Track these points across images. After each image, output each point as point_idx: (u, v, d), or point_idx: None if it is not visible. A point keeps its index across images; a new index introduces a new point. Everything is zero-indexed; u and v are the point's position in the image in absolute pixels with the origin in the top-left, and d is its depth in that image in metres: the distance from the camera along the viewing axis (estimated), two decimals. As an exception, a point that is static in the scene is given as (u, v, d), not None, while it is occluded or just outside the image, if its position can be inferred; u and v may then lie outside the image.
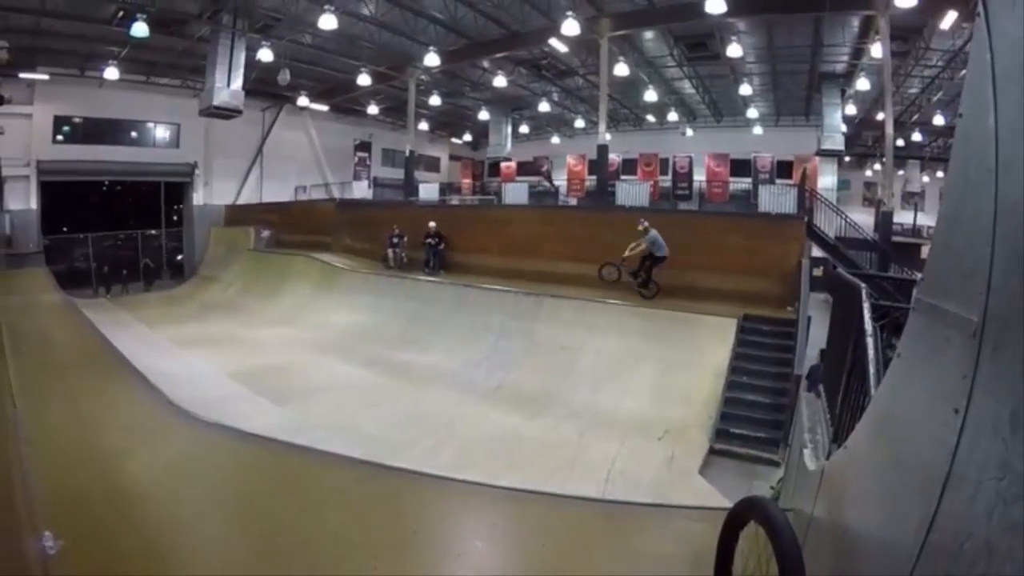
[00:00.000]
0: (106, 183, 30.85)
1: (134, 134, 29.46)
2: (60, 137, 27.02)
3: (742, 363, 12.14)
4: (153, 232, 31.44)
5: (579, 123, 35.54)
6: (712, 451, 10.61)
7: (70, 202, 28.51)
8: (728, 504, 4.20)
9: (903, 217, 33.10)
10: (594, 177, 26.85)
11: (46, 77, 25.54)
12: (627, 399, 12.02)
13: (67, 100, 26.61)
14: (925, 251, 26.00)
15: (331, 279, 20.73)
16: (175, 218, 32.07)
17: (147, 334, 18.92)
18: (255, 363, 15.43)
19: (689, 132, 34.16)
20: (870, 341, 3.99)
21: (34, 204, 26.31)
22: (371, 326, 17.40)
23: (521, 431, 11.27)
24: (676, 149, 33.75)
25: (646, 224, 14.46)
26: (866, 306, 4.37)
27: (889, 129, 19.92)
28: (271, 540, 4.98)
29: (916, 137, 32.49)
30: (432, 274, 18.83)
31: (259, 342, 17.72)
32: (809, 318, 12.55)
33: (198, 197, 31.07)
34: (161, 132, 30.12)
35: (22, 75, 24.87)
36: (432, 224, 19.36)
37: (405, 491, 5.91)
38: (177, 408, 8.46)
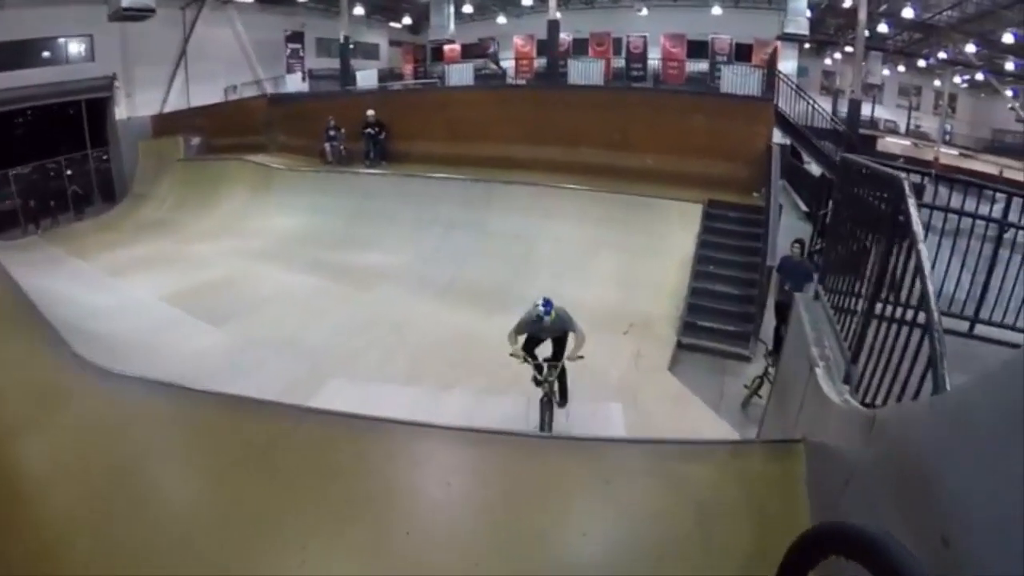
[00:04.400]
0: (21, 112, 27.96)
1: (45, 54, 26.83)
2: None
3: (708, 252, 11.52)
4: (77, 156, 29.39)
5: (527, 1, 33.36)
6: (680, 345, 10.12)
7: None
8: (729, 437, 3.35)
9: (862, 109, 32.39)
10: (543, 59, 25.66)
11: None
12: (589, 290, 11.25)
13: None
14: (883, 143, 25.19)
15: (267, 181, 19.36)
16: (101, 138, 29.74)
17: (79, 267, 17.82)
18: (192, 282, 14.56)
19: (644, 11, 32.45)
20: (923, 250, 3.05)
21: None
22: (312, 227, 16.35)
23: (477, 331, 10.50)
24: (630, 29, 32.22)
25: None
26: (912, 204, 3.26)
27: (862, 15, 19.78)
28: (204, 511, 4.20)
29: (882, 28, 31.23)
30: (373, 166, 17.54)
31: (196, 258, 16.68)
32: (780, 206, 12.07)
33: (121, 111, 28.83)
34: (73, 47, 27.46)
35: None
36: (370, 112, 17.80)
37: (342, 439, 4.94)
38: (86, 363, 7.23)
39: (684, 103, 15.66)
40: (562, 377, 8.01)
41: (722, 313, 10.57)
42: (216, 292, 13.57)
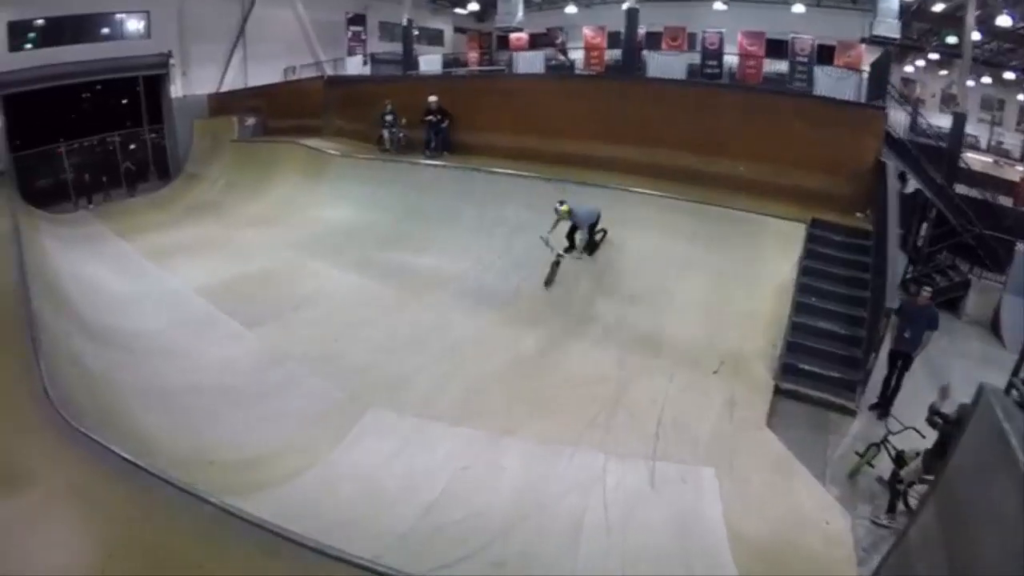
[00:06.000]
0: (78, 86, 27.61)
1: (104, 30, 26.63)
2: (27, 45, 24.41)
3: (810, 280, 9.93)
4: (133, 133, 29.21)
5: (598, -9, 31.98)
6: (777, 390, 8.52)
7: (40, 113, 25.91)
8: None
9: (942, 121, 30.23)
10: (615, 51, 24.34)
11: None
12: (673, 317, 9.96)
13: (20, 3, 23.83)
14: (963, 159, 22.96)
15: (320, 167, 18.33)
16: (157, 115, 29.44)
17: (121, 248, 17.23)
18: (231, 273, 13.77)
19: (721, 5, 31.08)
20: None
21: None
22: (363, 221, 15.18)
23: (546, 355, 9.30)
24: (706, 24, 30.18)
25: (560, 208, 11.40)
26: None
27: (970, 19, 18.24)
28: None
29: (974, 36, 29.16)
30: (434, 157, 16.21)
31: (239, 246, 15.88)
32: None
33: (176, 89, 28.53)
34: (131, 24, 27.20)
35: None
36: (433, 98, 16.52)
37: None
38: (58, 418, 5.92)
39: (783, 106, 13.86)
40: (591, 241, 11.46)
41: (826, 355, 9.00)
42: (255, 287, 12.72)
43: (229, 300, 12.01)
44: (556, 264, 11.21)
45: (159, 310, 11.88)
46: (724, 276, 10.39)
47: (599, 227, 11.52)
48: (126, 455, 5.18)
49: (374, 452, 7.27)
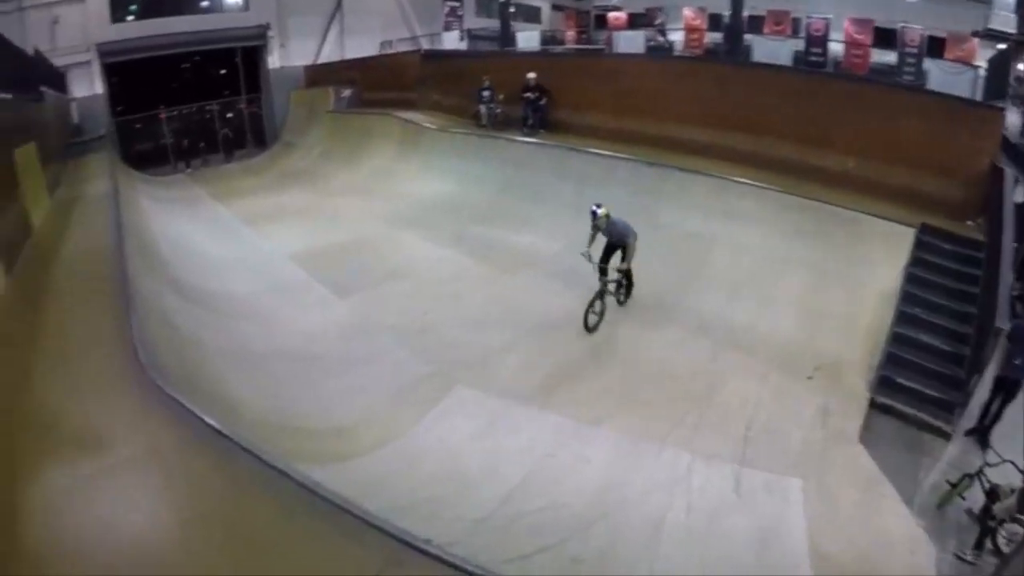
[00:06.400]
0: (179, 56, 29.13)
1: (204, 2, 28.01)
2: (129, 17, 25.88)
3: (916, 289, 9.23)
4: (230, 102, 30.51)
5: (701, -29, 31.13)
6: (872, 404, 8.01)
7: (142, 81, 27.43)
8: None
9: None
10: (715, 34, 23.77)
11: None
12: (768, 315, 9.52)
13: None
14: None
15: (415, 140, 18.51)
16: (255, 85, 30.70)
17: (214, 211, 17.94)
18: (324, 241, 14.02)
19: None
20: None
21: (99, 88, 25.21)
22: (458, 195, 15.26)
23: (638, 344, 9.04)
24: (811, 9, 28.79)
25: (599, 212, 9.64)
26: None
27: None
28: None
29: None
30: (531, 134, 16.01)
31: (333, 215, 16.22)
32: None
33: (273, 60, 29.54)
34: None
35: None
36: (531, 75, 16.36)
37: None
38: (145, 379, 5.82)
39: (893, 99, 12.98)
40: (628, 279, 10.00)
41: (926, 371, 8.35)
42: (347, 256, 12.88)
43: (321, 267, 12.19)
44: (600, 297, 9.48)
45: (252, 274, 12.16)
46: (825, 276, 9.93)
47: (624, 266, 9.67)
48: (211, 421, 5.13)
49: (458, 431, 7.20)
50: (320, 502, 4.19)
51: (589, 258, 9.46)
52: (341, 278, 11.61)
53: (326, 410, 7.54)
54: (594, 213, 9.49)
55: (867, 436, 7.48)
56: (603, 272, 9.59)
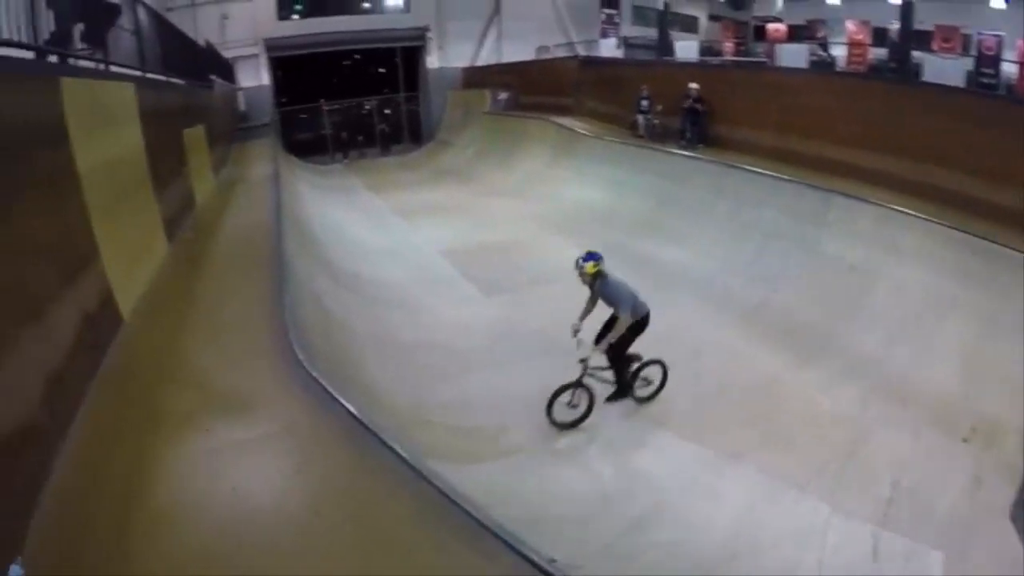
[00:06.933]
0: (342, 53, 31.47)
1: (365, 4, 30.13)
2: (294, 15, 28.77)
3: None
4: (388, 98, 32.33)
5: (866, -19, 29.81)
6: None
7: (305, 75, 29.93)
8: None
9: None
10: (880, 50, 21.94)
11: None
12: (928, 364, 8.58)
13: None
14: None
15: (570, 146, 18.74)
16: (413, 84, 32.28)
17: (370, 201, 19.08)
18: (475, 239, 14.58)
19: (1001, 4, 27.34)
20: None
21: (266, 80, 27.99)
22: (610, 204, 15.28)
23: (783, 381, 8.52)
24: (983, 25, 26.80)
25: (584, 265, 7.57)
26: None
27: None
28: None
29: None
30: (689, 148, 15.64)
31: (485, 214, 16.83)
32: None
33: (432, 61, 31.03)
34: None
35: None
36: (693, 85, 15.98)
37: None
38: (292, 356, 5.90)
39: None
40: (618, 367, 7.67)
41: None
42: (496, 255, 13.23)
43: (470, 265, 12.58)
44: (579, 384, 7.41)
45: (402, 265, 12.71)
46: (994, 326, 8.71)
47: (608, 341, 7.44)
48: (352, 408, 5.06)
49: (595, 446, 7.11)
50: (450, 505, 4.09)
51: (576, 332, 7.38)
52: (489, 277, 11.93)
53: (463, 407, 7.64)
54: (578, 264, 7.47)
55: (1018, 514, 6.67)
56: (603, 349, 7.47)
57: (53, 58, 6.27)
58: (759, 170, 12.90)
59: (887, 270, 10.16)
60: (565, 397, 7.37)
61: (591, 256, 7.50)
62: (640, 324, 7.56)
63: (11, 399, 3.80)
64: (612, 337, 7.33)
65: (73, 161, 5.62)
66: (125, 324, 6.25)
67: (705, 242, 12.36)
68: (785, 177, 12.40)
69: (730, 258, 11.64)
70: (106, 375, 5.27)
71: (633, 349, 7.72)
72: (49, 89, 5.44)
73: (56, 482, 3.87)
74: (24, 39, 5.40)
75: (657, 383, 7.97)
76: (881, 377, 8.50)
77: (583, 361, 7.30)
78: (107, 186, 6.45)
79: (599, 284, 7.45)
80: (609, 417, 7.61)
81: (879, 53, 26.52)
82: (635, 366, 7.83)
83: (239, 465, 4.52)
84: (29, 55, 5.66)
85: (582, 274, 7.43)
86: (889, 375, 8.54)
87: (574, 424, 7.43)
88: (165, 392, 5.34)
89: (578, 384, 7.37)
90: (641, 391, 7.92)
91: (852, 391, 8.31)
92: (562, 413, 7.38)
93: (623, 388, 7.77)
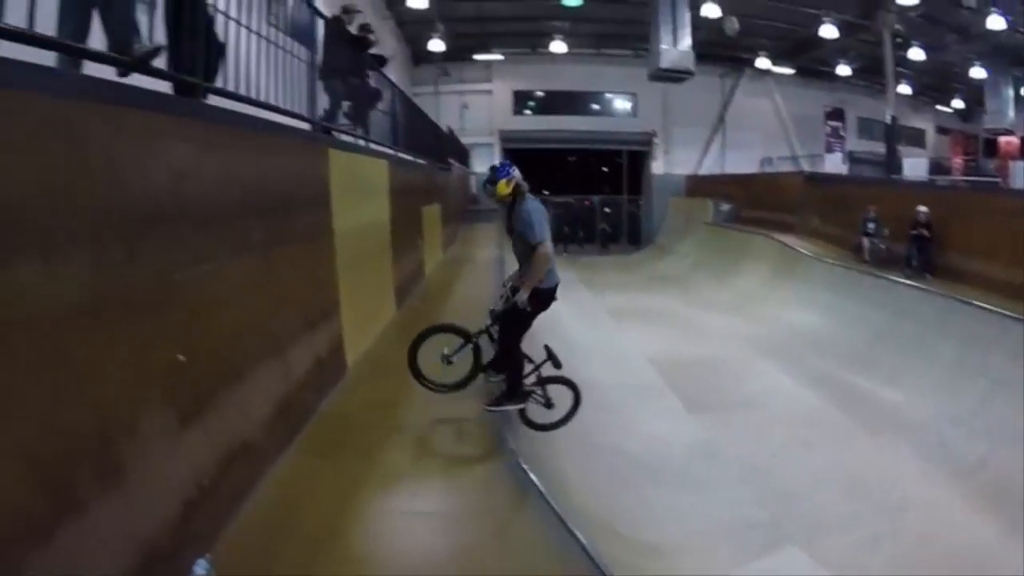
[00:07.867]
0: (570, 151, 33.83)
1: (595, 106, 32.13)
2: (527, 112, 31.68)
3: None
4: (610, 199, 33.65)
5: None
6: None
7: (533, 167, 32.08)
8: None
9: None
10: None
11: (500, 57, 30.42)
12: None
13: (522, 76, 31.06)
14: None
15: (791, 266, 18.40)
16: (636, 187, 33.45)
17: (584, 297, 19.37)
18: (684, 351, 14.54)
19: None
20: None
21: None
22: (827, 332, 14.68)
23: (991, 553, 7.45)
24: None
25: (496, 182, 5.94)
26: None
27: None
28: None
29: None
30: (915, 277, 14.60)
31: (697, 327, 16.84)
32: None
33: (657, 166, 32.07)
34: (619, 103, 32.30)
35: (477, 57, 30.23)
36: (923, 209, 15.03)
37: None
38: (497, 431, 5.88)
39: None
40: (508, 361, 5.94)
41: None
42: (704, 371, 13.15)
43: (676, 376, 12.53)
44: (470, 340, 6.05)
45: (607, 365, 12.77)
46: None
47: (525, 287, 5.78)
48: (546, 492, 4.92)
49: None
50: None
51: (506, 292, 6.02)
52: (694, 392, 11.77)
53: (646, 522, 7.42)
54: (488, 184, 5.94)
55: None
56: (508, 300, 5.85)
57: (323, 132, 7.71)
58: (988, 306, 11.80)
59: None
60: (441, 341, 6.07)
61: (504, 169, 5.91)
62: (546, 295, 6.01)
63: (241, 418, 4.34)
64: (528, 275, 5.79)
65: (331, 222, 6.84)
66: (348, 373, 7.08)
67: (924, 384, 11.37)
68: (1018, 316, 11.08)
69: (949, 406, 10.56)
70: (324, 414, 5.92)
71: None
72: (320, 157, 6.77)
73: (257, 499, 4.21)
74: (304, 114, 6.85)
75: (565, 411, 6.40)
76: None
77: (492, 311, 6.08)
78: (355, 249, 7.66)
79: (519, 206, 5.86)
80: (798, 567, 7.11)
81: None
82: (530, 374, 6.17)
83: (428, 529, 4.47)
84: (306, 127, 7.02)
85: (493, 194, 5.91)
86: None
87: (437, 388, 6.13)
88: (374, 440, 5.55)
89: (468, 340, 6.03)
90: (541, 417, 6.33)
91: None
92: (428, 363, 6.06)
93: (514, 391, 6.00)
